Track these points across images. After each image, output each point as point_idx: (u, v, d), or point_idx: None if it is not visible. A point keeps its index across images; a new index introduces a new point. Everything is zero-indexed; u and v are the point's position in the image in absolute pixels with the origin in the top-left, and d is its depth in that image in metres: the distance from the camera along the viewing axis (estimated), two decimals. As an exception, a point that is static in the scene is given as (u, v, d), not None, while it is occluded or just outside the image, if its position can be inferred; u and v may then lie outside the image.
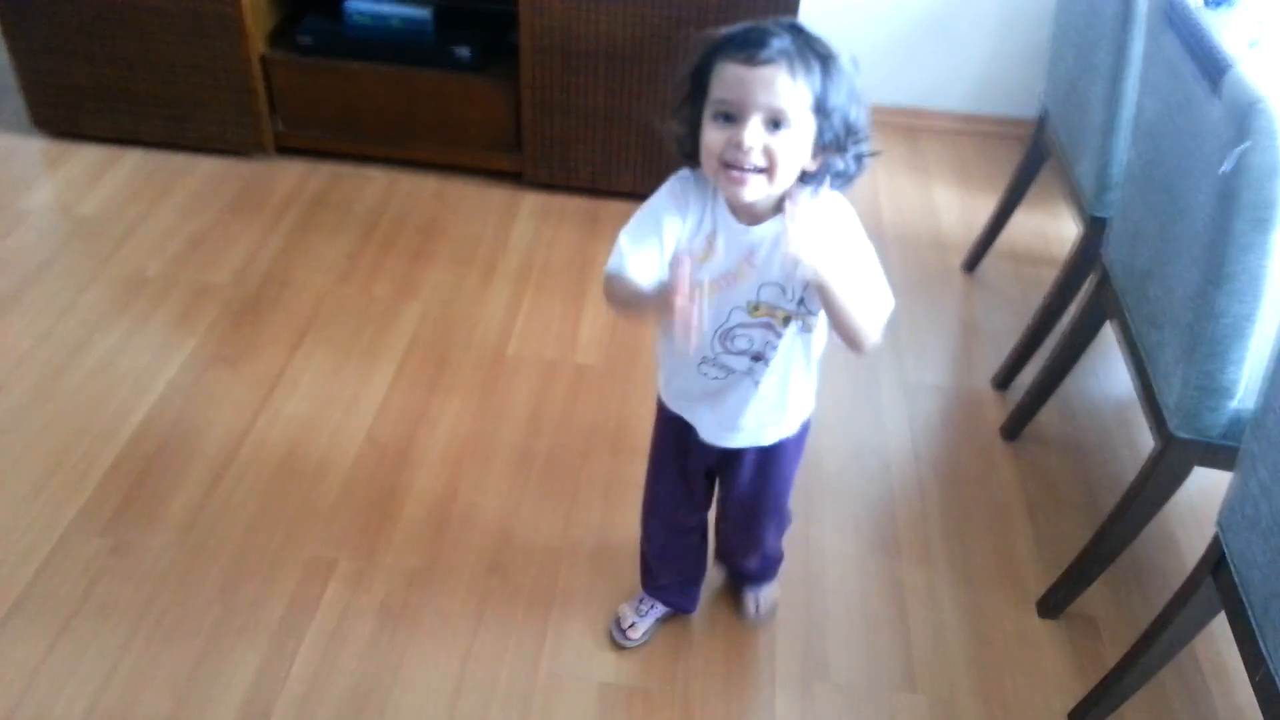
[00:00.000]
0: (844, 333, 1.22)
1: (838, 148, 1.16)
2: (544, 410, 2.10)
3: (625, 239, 1.23)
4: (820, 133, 1.14)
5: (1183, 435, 1.51)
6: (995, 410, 2.18)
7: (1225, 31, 1.43)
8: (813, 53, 1.11)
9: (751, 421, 1.39)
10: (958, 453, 2.08)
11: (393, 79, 2.66)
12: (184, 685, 1.57)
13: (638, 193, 1.45)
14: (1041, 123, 2.32)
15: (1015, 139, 3.09)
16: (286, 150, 2.81)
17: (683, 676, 1.64)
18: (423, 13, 2.65)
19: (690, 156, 1.20)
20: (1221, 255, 1.36)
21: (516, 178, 2.76)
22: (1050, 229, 2.77)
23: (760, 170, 1.13)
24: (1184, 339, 1.47)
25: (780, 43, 1.09)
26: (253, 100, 2.68)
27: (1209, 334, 1.41)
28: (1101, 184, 1.93)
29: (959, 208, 2.83)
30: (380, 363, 2.18)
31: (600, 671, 1.64)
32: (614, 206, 2.70)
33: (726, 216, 1.23)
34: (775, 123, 1.11)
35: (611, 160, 2.68)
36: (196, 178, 2.72)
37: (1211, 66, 1.39)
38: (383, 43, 2.65)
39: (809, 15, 2.45)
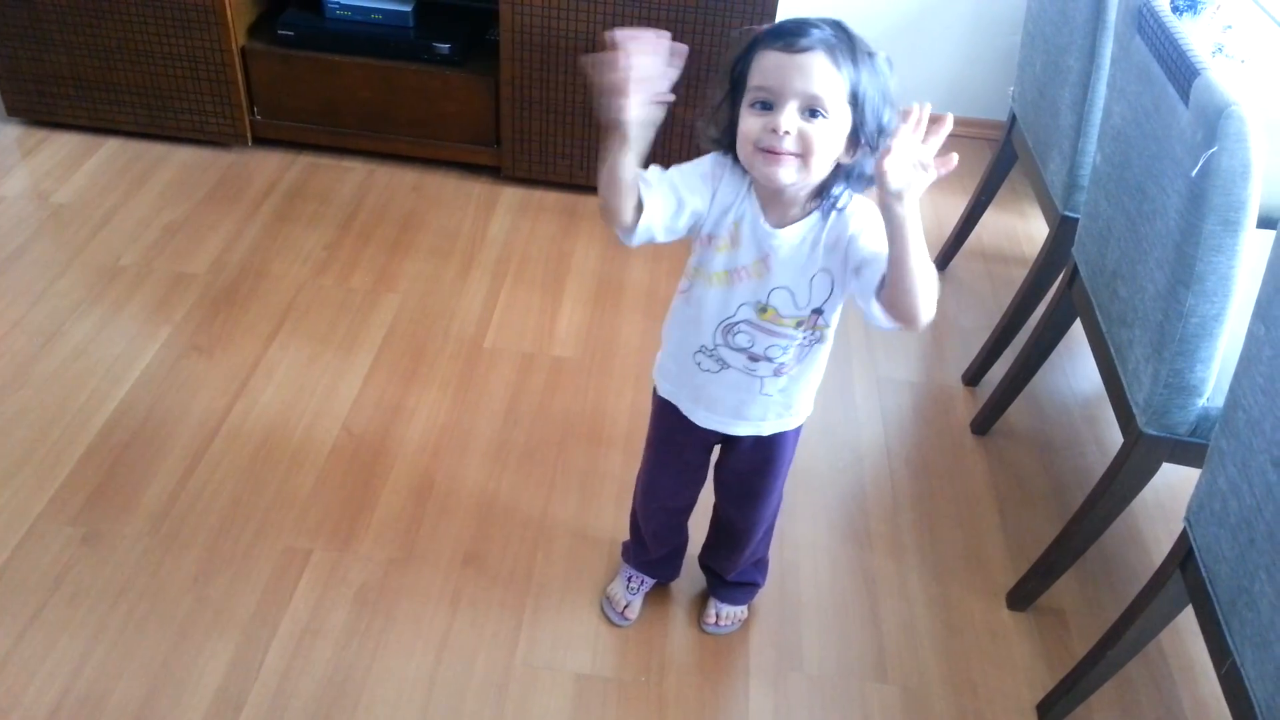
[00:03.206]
0: (904, 298, 1.13)
1: (870, 146, 1.16)
2: (521, 402, 2.10)
3: (660, 170, 1.23)
4: (855, 127, 1.15)
5: (1151, 432, 1.53)
6: (966, 406, 2.21)
7: (1190, 38, 1.45)
8: (853, 46, 1.12)
9: (755, 414, 1.41)
10: (929, 447, 2.11)
11: (373, 72, 2.65)
12: (156, 675, 1.56)
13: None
14: (1011, 125, 2.35)
15: (985, 141, 3.13)
16: (264, 141, 2.79)
17: (658, 668, 1.65)
18: (403, 7, 2.65)
19: (729, 150, 1.21)
20: (1191, 256, 1.38)
21: (495, 172, 2.76)
22: (1019, 229, 2.81)
23: (795, 155, 1.13)
24: (1153, 338, 1.48)
25: (820, 33, 1.11)
26: (232, 91, 2.67)
27: (1178, 333, 1.43)
28: (1071, 185, 1.95)
29: (930, 207, 2.86)
30: (357, 354, 2.18)
31: (576, 662, 1.64)
32: (591, 201, 2.71)
33: (755, 212, 1.24)
34: (811, 110, 1.12)
35: (589, 156, 2.68)
36: (174, 167, 2.70)
37: (1181, 72, 1.41)
38: (363, 36, 2.65)
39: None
